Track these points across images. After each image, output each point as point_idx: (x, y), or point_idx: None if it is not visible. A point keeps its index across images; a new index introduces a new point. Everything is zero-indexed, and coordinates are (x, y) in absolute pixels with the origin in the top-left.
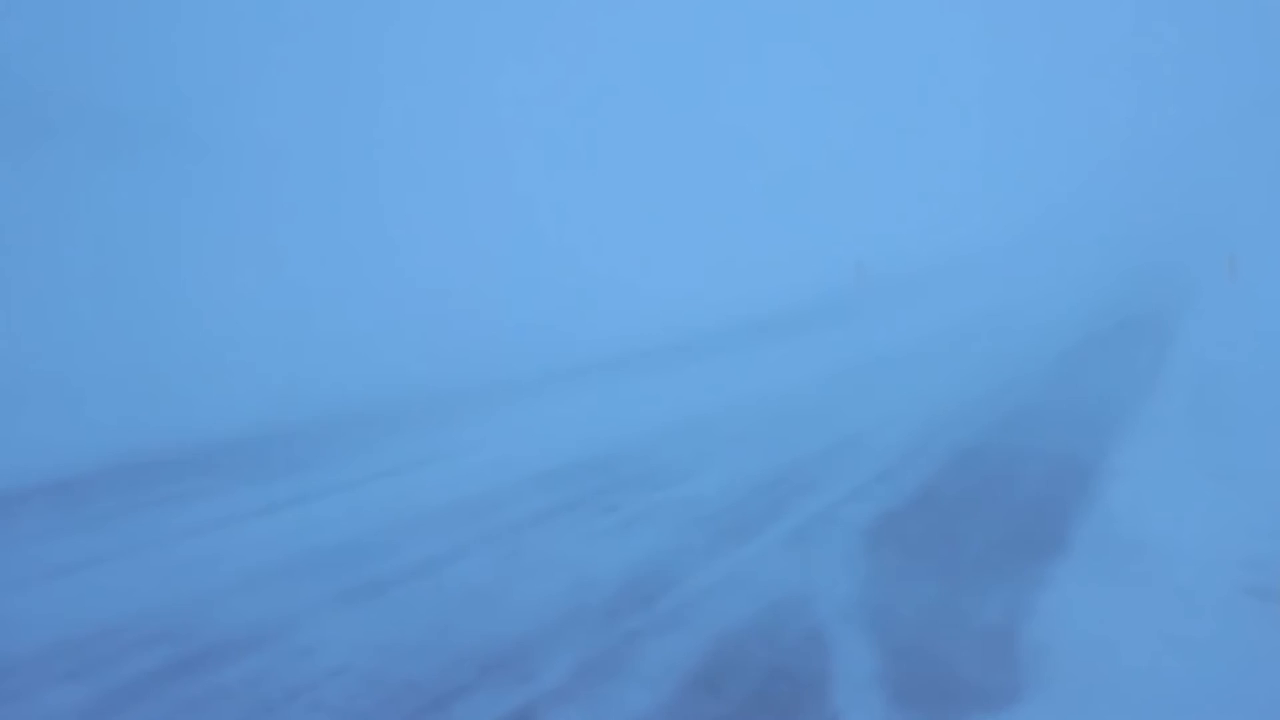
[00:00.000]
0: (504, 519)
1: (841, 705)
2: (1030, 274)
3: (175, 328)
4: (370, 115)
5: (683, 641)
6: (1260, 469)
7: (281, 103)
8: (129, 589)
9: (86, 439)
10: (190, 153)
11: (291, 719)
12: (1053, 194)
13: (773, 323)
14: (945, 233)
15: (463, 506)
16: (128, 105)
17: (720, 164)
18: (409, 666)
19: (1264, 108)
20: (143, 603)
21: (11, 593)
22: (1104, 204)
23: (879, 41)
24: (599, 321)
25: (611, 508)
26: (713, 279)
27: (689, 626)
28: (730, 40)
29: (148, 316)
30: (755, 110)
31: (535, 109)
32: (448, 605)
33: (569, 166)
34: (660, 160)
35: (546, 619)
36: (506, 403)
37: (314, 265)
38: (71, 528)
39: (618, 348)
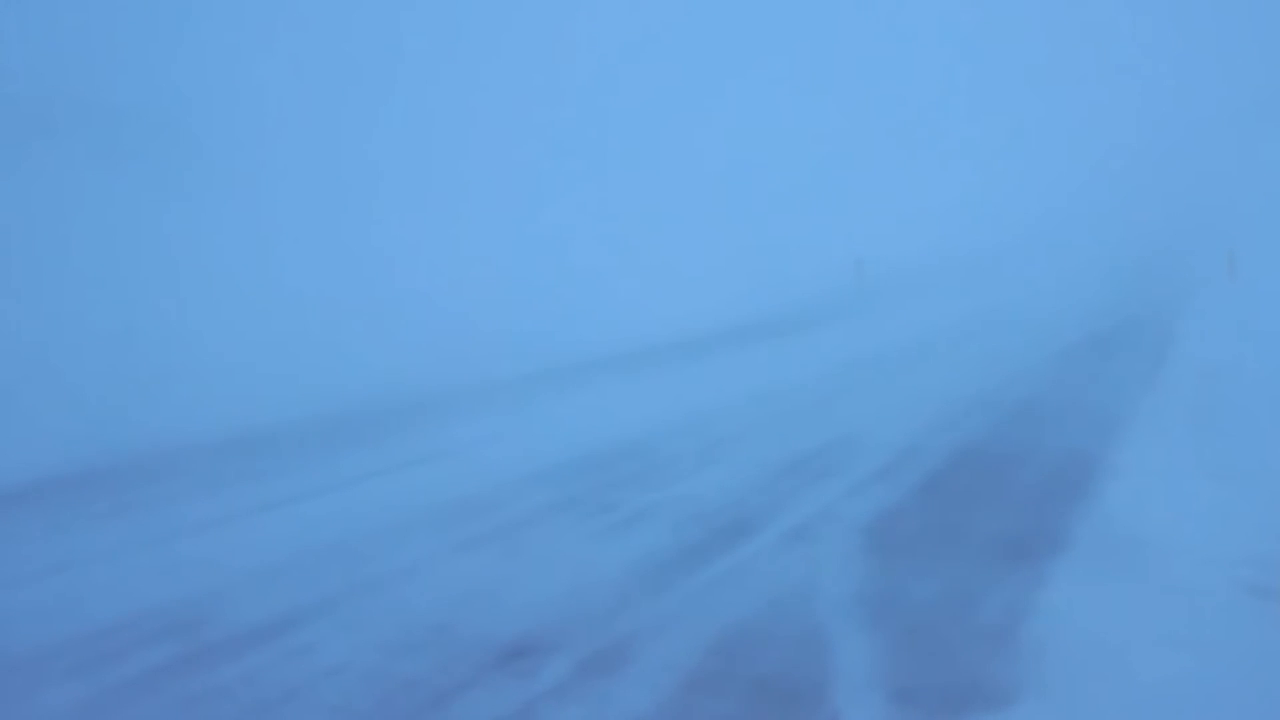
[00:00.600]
0: (503, 517)
1: (841, 704)
2: (1029, 273)
3: (174, 326)
4: (369, 115)
5: (682, 640)
6: (1260, 468)
7: (280, 103)
8: (128, 587)
9: (84, 437)
10: (189, 153)
11: (290, 717)
12: (1052, 193)
13: (772, 321)
14: (944, 232)
15: (462, 505)
16: (127, 105)
17: (720, 164)
18: (408, 665)
19: (1264, 108)
20: (142, 601)
21: (9, 590)
22: (1104, 204)
23: (879, 42)
24: (598, 320)
25: (611, 506)
26: (712, 278)
27: (688, 625)
28: (730, 41)
29: (146, 315)
30: (755, 111)
31: (534, 109)
32: (447, 603)
33: (568, 166)
34: (660, 160)
35: (546, 617)
36: (504, 401)
37: (311, 264)
38: (69, 526)
39: (617, 346)
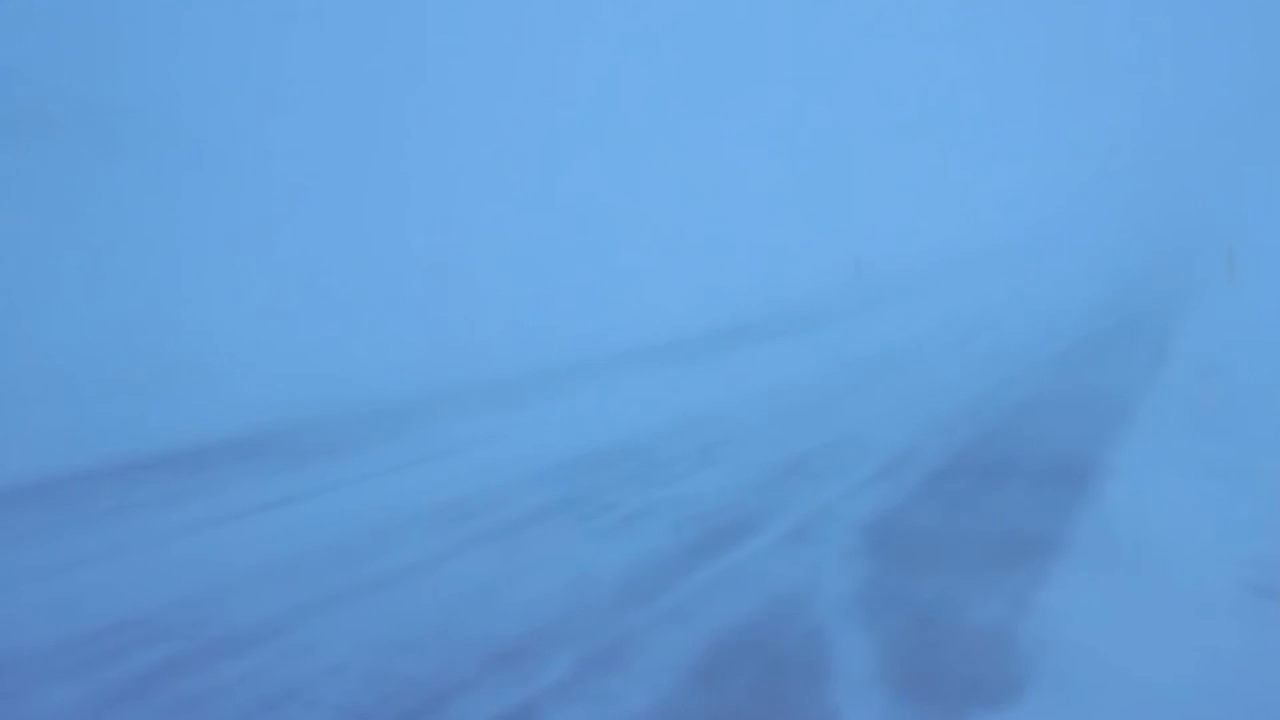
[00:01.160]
0: (504, 516)
1: (841, 702)
2: (1029, 273)
3: (174, 326)
4: (370, 114)
5: (682, 638)
6: (1260, 468)
7: (281, 101)
8: (128, 587)
9: (84, 437)
10: (190, 150)
11: (290, 717)
12: (1052, 194)
13: (772, 321)
14: (943, 232)
15: (462, 503)
16: (127, 103)
17: (721, 164)
18: (408, 664)
19: (1264, 108)
20: (142, 600)
21: (9, 590)
22: (1103, 204)
23: (880, 42)
24: (599, 320)
25: (611, 505)
26: (713, 277)
27: (688, 623)
28: (733, 42)
29: (146, 315)
30: (755, 112)
31: (538, 107)
32: (447, 602)
33: (567, 167)
34: (661, 161)
35: (546, 616)
36: (505, 401)
37: (312, 264)
38: (70, 526)
39: (617, 346)
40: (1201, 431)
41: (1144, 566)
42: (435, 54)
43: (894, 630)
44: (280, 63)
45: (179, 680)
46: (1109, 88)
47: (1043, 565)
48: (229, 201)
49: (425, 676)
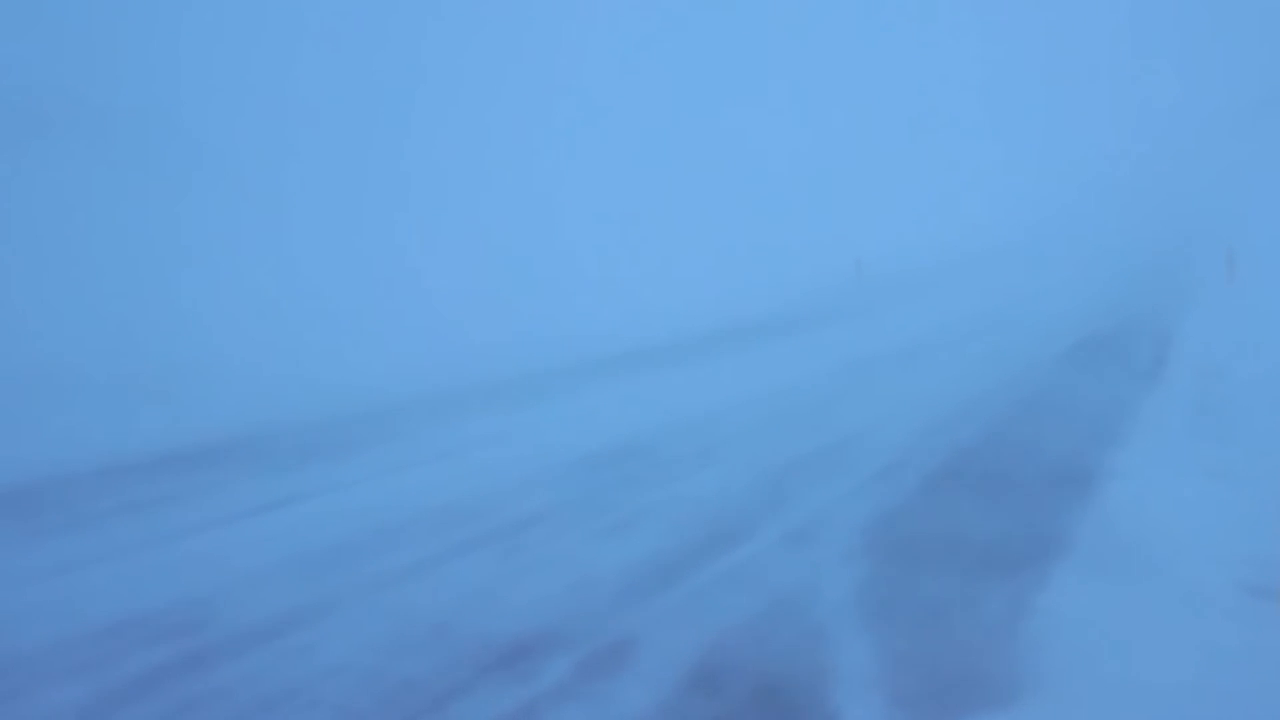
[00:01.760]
0: (504, 517)
1: (841, 704)
2: (1029, 274)
3: (174, 326)
4: (371, 114)
5: (682, 640)
6: (1260, 469)
7: (281, 101)
8: (129, 587)
9: (83, 437)
10: (190, 151)
11: (290, 717)
12: (1053, 194)
13: (772, 321)
14: (944, 233)
15: (462, 504)
16: (128, 103)
17: (721, 164)
18: (408, 665)
19: (1264, 108)
20: (142, 601)
21: (10, 590)
22: (1103, 204)
23: (879, 42)
24: (599, 321)
25: (611, 506)
26: (713, 278)
27: (688, 625)
28: (732, 42)
29: (147, 315)
30: (756, 111)
31: (533, 108)
32: (447, 603)
33: (567, 167)
34: (660, 161)
35: (546, 617)
36: (505, 402)
37: (312, 264)
38: (70, 526)
39: (618, 346)
40: (1202, 432)
41: (1144, 567)
42: (436, 54)
43: (894, 632)
44: (280, 63)
45: (179, 681)
46: (1109, 89)
47: (1043, 566)
48: (229, 202)
49: (425, 677)
